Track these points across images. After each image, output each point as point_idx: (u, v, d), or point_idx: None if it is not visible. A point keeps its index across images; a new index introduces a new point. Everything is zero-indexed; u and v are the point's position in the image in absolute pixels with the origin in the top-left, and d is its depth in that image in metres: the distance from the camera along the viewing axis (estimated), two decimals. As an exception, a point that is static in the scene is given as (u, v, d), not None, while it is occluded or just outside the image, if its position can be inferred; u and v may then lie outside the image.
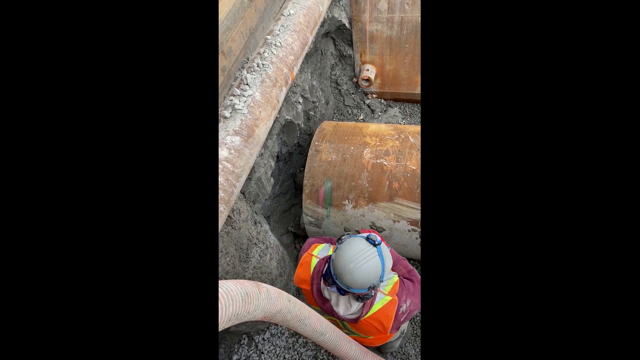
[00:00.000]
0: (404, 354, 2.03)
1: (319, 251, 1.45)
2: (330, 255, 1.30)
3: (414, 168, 1.92)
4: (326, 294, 1.34)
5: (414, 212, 1.91)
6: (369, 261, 1.20)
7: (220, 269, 1.58)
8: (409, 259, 2.32)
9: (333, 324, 1.53)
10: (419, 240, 1.96)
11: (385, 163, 1.97)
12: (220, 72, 1.58)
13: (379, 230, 2.03)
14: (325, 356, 1.99)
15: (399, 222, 1.95)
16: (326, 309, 1.35)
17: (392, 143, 2.04)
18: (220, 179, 1.30)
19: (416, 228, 1.93)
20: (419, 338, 2.05)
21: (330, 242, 1.57)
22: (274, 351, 2.00)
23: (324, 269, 1.34)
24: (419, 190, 1.88)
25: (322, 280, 1.34)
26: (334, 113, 3.10)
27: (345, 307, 1.32)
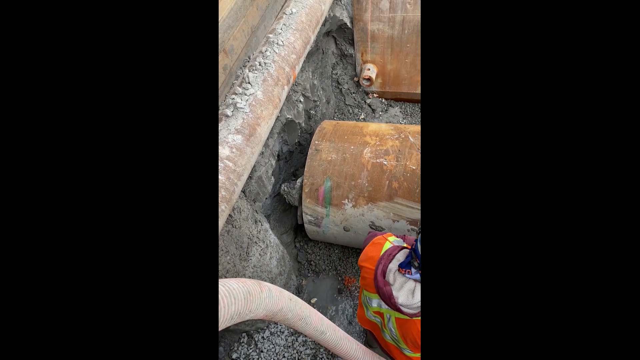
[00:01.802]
0: (402, 353, 2.04)
1: (394, 240, 1.40)
2: (416, 240, 1.19)
3: (414, 168, 1.93)
4: (391, 277, 1.24)
5: (414, 211, 1.91)
6: None
7: (220, 267, 1.59)
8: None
9: (378, 323, 1.43)
10: (419, 240, 1.96)
11: (385, 162, 1.98)
12: (222, 71, 1.58)
13: (378, 229, 2.03)
14: (324, 355, 2.00)
15: (398, 221, 1.96)
16: (384, 293, 1.24)
17: (392, 143, 2.04)
18: (221, 177, 1.30)
19: (415, 227, 1.94)
20: (418, 337, 2.06)
21: (403, 238, 1.50)
22: (273, 350, 2.01)
23: (404, 257, 1.26)
24: (418, 190, 1.89)
25: (397, 267, 1.24)
26: (335, 112, 3.10)
27: (406, 296, 1.20)
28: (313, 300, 2.28)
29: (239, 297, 0.81)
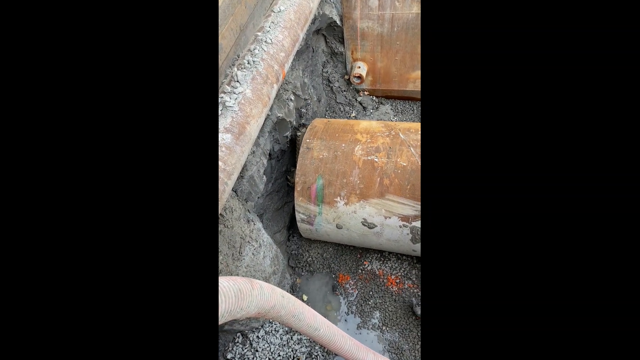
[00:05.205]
0: (397, 348, 2.05)
1: None
2: None
3: (404, 164, 1.94)
4: None
5: (405, 208, 1.93)
6: None
7: (213, 267, 1.57)
8: (401, 255, 2.35)
9: None
10: (410, 235, 1.98)
11: (376, 160, 1.99)
12: (210, 70, 1.57)
13: (371, 226, 2.04)
14: (319, 352, 2.01)
15: (390, 218, 1.97)
16: None
17: (382, 140, 2.05)
18: (211, 176, 1.29)
19: (407, 224, 1.95)
20: (413, 334, 2.07)
21: None
22: (268, 349, 2.00)
23: None
24: (409, 187, 1.90)
25: None
26: (326, 110, 3.10)
27: None
28: (305, 298, 2.28)
29: (230, 295, 0.81)
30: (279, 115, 2.21)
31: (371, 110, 3.12)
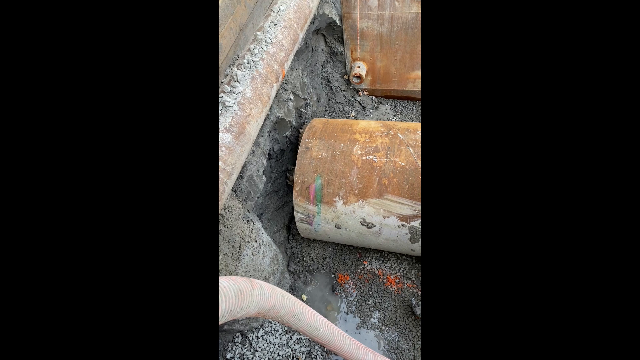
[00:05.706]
0: (397, 348, 2.06)
1: None
2: None
3: (403, 164, 1.94)
4: None
5: (404, 207, 1.93)
6: None
7: (212, 267, 1.57)
8: (400, 255, 2.35)
9: None
10: (409, 235, 1.98)
11: (375, 159, 1.99)
12: (209, 69, 1.57)
13: (370, 226, 2.04)
14: (319, 352, 2.01)
15: (388, 217, 1.97)
16: None
17: (381, 140, 2.05)
18: (211, 176, 1.29)
19: (406, 224, 1.96)
20: (412, 333, 2.08)
21: None
22: (267, 348, 2.00)
23: None
24: (408, 186, 1.90)
25: None
26: (326, 110, 3.10)
27: None
28: (304, 298, 2.28)
29: (230, 294, 0.81)
30: (278, 115, 2.21)
31: (370, 110, 3.12)
